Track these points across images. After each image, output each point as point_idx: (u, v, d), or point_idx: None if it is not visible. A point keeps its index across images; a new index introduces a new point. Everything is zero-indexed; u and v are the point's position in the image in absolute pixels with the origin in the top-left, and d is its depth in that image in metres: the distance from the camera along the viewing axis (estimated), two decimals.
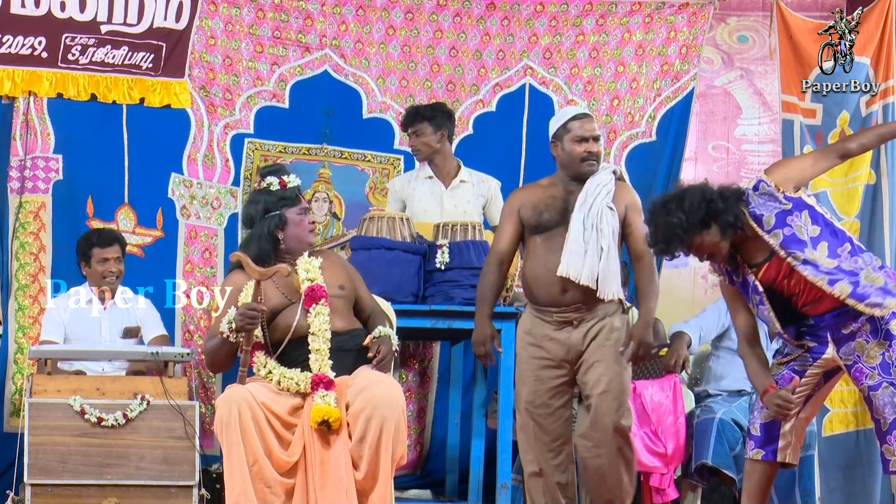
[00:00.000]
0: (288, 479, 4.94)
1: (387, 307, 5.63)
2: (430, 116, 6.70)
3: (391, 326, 5.39)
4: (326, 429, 4.91)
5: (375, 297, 5.57)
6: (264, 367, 5.12)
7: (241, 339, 5.08)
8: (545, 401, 5.56)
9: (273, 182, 5.30)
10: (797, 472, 6.27)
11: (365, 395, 4.93)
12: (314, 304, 5.12)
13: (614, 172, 5.68)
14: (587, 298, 5.48)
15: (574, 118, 5.57)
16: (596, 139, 5.57)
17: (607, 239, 5.47)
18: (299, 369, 5.08)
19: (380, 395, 4.93)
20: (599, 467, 5.52)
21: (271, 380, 5.09)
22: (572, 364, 5.54)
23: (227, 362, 5.24)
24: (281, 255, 5.25)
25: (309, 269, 5.20)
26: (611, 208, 5.51)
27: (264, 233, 5.24)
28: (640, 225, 5.40)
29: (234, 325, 5.06)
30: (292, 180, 5.32)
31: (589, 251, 5.44)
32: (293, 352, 5.14)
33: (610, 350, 5.51)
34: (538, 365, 5.56)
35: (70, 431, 5.67)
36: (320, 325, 5.09)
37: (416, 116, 6.71)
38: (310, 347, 5.08)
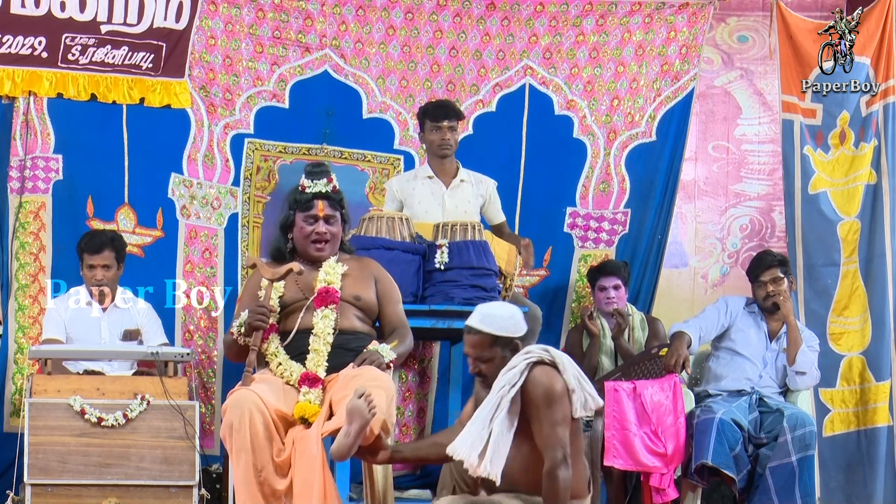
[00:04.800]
0: (287, 480, 4.93)
1: None
2: (462, 118, 6.79)
3: (399, 345, 5.28)
4: (306, 426, 4.93)
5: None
6: (273, 345, 5.15)
7: (249, 340, 5.10)
8: None
9: (302, 182, 5.35)
10: (797, 472, 6.26)
11: (358, 379, 4.91)
12: (323, 307, 5.16)
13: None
14: None
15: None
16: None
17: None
18: (301, 363, 5.10)
19: (374, 375, 4.94)
20: None
21: (270, 361, 5.12)
22: None
23: (241, 357, 5.24)
24: (294, 253, 5.34)
25: (329, 273, 5.24)
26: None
27: (278, 227, 5.39)
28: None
29: (243, 329, 5.11)
30: (316, 185, 5.30)
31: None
32: (297, 343, 5.16)
33: None
34: None
35: (70, 431, 5.67)
36: (324, 327, 5.13)
37: (459, 113, 6.76)
38: (310, 347, 5.11)
